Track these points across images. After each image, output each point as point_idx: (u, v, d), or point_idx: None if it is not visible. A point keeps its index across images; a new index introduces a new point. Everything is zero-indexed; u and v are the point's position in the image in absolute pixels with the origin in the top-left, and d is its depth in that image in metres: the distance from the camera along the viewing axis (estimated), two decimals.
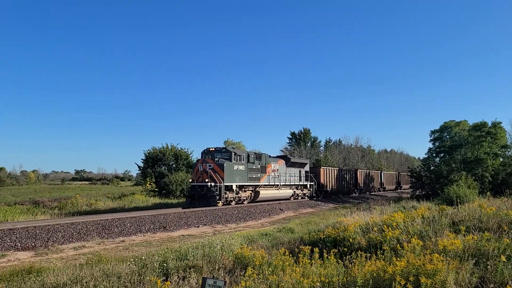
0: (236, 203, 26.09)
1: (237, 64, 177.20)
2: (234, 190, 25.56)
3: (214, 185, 23.56)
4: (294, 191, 33.89)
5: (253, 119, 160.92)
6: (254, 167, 27.46)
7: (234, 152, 25.74)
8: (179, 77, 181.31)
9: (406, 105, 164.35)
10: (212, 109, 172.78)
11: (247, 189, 27.44)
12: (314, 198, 36.74)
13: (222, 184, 23.80)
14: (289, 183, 32.81)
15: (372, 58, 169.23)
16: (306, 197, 36.09)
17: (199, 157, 26.56)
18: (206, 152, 25.83)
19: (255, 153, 28.95)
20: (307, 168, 36.51)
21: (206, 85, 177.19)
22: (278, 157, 33.45)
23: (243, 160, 26.31)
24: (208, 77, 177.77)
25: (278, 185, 30.89)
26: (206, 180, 23.58)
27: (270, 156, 31.27)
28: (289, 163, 33.11)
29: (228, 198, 24.94)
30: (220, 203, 24.04)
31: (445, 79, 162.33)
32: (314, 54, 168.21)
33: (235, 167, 25.34)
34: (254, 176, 27.51)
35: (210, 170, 23.87)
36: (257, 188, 28.24)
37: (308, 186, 36.43)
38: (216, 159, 24.64)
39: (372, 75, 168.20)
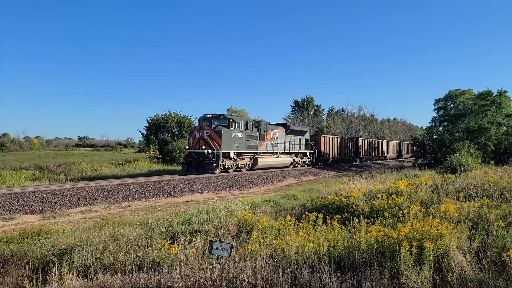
0: (234, 171, 26.01)
1: (242, 33, 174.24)
2: (232, 157, 25.38)
3: (211, 152, 23.37)
4: (293, 159, 33.74)
5: (257, 87, 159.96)
6: (252, 135, 27.20)
7: (232, 119, 25.33)
8: (184, 45, 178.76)
9: (410, 74, 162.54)
10: (216, 77, 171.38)
11: (245, 156, 27.25)
12: (317, 167, 36.84)
13: (219, 151, 23.65)
14: (288, 151, 32.58)
15: (377, 28, 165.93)
16: (305, 165, 35.96)
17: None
18: (203, 119, 25.43)
19: (253, 120, 28.57)
20: (307, 136, 36.21)
21: (210, 53, 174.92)
22: (277, 124, 33.05)
23: (241, 127, 25.98)
24: (213, 45, 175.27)
25: (277, 153, 30.68)
26: (203, 147, 23.36)
27: (269, 123, 30.93)
28: (289, 131, 32.80)
29: (225, 165, 24.81)
30: (218, 170, 23.93)
31: (452, 48, 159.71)
32: (319, 23, 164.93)
33: (233, 134, 25.05)
34: (252, 144, 27.26)
35: (207, 137, 23.61)
36: (256, 156, 28.04)
37: (308, 154, 36.23)
38: (214, 126, 24.33)
39: (377, 44, 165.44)
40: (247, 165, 27.74)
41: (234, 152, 25.46)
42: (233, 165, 25.89)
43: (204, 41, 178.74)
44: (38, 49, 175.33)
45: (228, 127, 24.74)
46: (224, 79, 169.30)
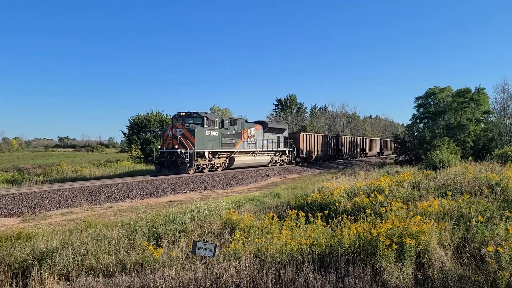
0: (209, 171, 25.35)
1: (226, 32, 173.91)
2: (207, 157, 24.68)
3: (184, 152, 22.68)
4: (272, 158, 33.12)
5: (241, 86, 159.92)
6: (228, 133, 26.49)
7: (206, 117, 24.54)
8: (167, 44, 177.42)
9: (392, 72, 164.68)
10: (199, 76, 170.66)
11: (221, 155, 26.55)
12: (300, 165, 36.84)
13: (193, 151, 22.93)
14: (266, 149, 31.93)
15: (359, 27, 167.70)
16: (284, 164, 35.45)
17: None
18: (176, 117, 24.67)
19: (229, 118, 27.88)
20: (286, 134, 35.64)
21: (194, 53, 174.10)
22: (255, 122, 32.38)
23: (216, 125, 25.28)
24: (196, 45, 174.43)
25: (254, 151, 29.99)
26: (176, 147, 22.66)
27: (246, 121, 30.21)
28: (267, 129, 32.09)
29: (200, 165, 24.16)
30: (192, 170, 23.26)
31: (432, 46, 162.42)
32: (301, 20, 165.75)
33: (208, 132, 24.31)
34: (228, 142, 26.56)
35: (180, 135, 22.86)
36: (232, 155, 27.39)
37: (287, 152, 35.69)
38: (187, 125, 23.64)
39: (359, 42, 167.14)
40: (223, 164, 27.06)
41: (209, 151, 24.73)
42: (208, 164, 25.20)
43: (187, 38, 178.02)
44: (14, 46, 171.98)
45: (202, 125, 24.00)
46: (208, 78, 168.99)
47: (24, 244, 7.73)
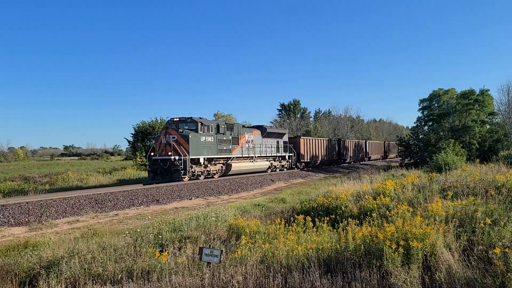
0: (205, 177, 24.78)
1: (229, 38, 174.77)
2: (202, 163, 24.17)
3: (178, 159, 22.05)
4: (271, 163, 32.37)
5: (245, 92, 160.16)
6: (224, 138, 25.92)
7: (201, 122, 23.78)
8: (171, 53, 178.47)
9: (396, 75, 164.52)
10: (203, 82, 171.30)
11: (217, 162, 25.93)
12: (305, 169, 36.68)
13: (187, 158, 22.35)
14: (265, 155, 31.26)
15: (361, 29, 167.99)
16: (284, 169, 34.72)
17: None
18: (170, 123, 24.15)
19: (226, 123, 27.31)
20: (285, 138, 34.87)
21: (198, 61, 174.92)
22: (253, 127, 31.80)
23: (211, 131, 24.61)
24: (200, 53, 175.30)
25: (252, 157, 29.33)
26: (169, 153, 22.05)
27: (243, 126, 29.89)
28: (265, 134, 31.37)
29: (195, 172, 23.69)
30: (186, 177, 22.78)
31: (435, 48, 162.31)
32: (304, 25, 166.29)
33: (203, 138, 23.70)
34: (225, 148, 25.97)
35: (174, 142, 22.29)
36: (229, 161, 26.77)
37: (287, 157, 34.89)
38: (181, 130, 23.08)
39: (362, 45, 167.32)
40: (220, 171, 26.43)
41: (204, 158, 24.17)
42: (204, 171, 24.61)
43: (191, 47, 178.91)
44: (18, 58, 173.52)
45: (196, 131, 23.34)
46: (212, 85, 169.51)
47: (31, 253, 7.76)
